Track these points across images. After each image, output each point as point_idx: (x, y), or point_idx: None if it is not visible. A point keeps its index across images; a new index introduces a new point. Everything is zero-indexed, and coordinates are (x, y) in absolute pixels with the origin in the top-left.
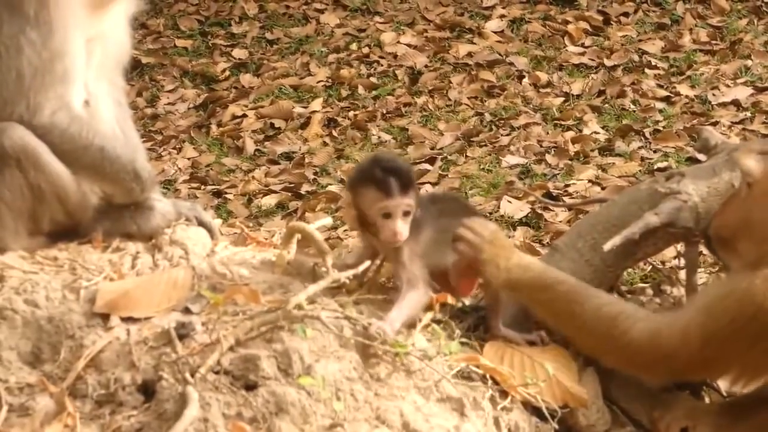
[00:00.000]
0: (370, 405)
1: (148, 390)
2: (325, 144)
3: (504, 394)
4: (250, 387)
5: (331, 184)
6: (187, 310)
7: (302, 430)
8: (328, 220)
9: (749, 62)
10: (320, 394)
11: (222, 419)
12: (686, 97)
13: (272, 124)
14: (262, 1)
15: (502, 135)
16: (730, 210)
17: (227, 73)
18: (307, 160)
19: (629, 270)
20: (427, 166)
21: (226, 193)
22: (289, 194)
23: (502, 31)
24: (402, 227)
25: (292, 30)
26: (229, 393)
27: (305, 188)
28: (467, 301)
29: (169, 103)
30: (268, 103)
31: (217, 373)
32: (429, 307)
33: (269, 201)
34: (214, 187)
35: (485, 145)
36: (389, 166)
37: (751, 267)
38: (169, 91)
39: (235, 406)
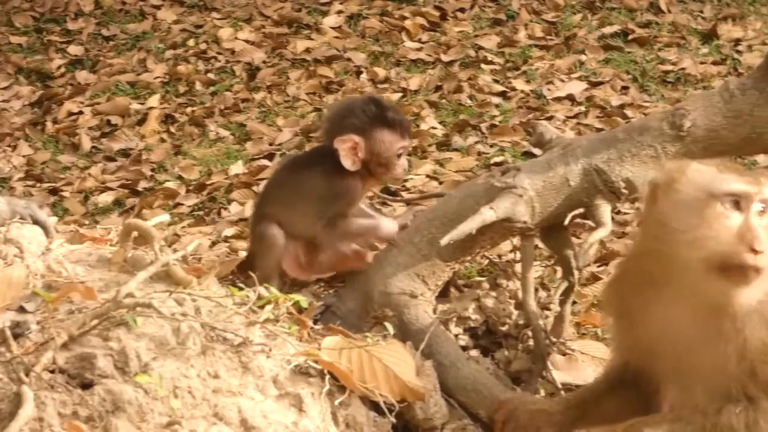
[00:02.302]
0: (208, 402)
1: None
2: (162, 140)
3: (342, 389)
4: (86, 386)
5: (168, 181)
6: (21, 309)
7: (139, 428)
8: (165, 217)
9: (583, 57)
10: (157, 392)
11: (58, 418)
12: (522, 91)
13: (109, 121)
14: None
15: None
16: None
17: (63, 69)
18: (144, 157)
19: (466, 264)
20: (265, 162)
21: (62, 190)
22: (126, 191)
23: (340, 27)
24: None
25: (128, 26)
26: (64, 392)
27: (142, 185)
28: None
29: (3, 101)
30: (104, 100)
31: (52, 372)
32: (269, 302)
33: (106, 198)
34: (49, 184)
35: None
36: (395, 108)
37: None
38: (4, 89)
39: (71, 405)
